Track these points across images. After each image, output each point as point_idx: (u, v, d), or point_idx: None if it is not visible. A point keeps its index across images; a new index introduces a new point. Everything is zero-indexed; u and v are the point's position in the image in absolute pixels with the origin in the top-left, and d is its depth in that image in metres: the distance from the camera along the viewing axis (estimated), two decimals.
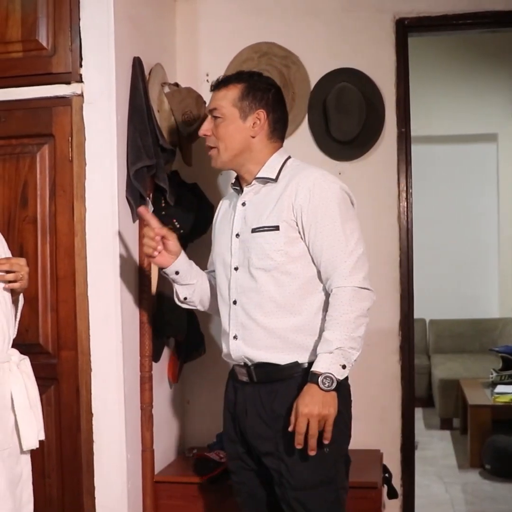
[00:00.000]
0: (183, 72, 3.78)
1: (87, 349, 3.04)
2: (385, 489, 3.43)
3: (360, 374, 3.68)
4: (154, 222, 2.70)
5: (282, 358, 2.52)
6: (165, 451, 3.51)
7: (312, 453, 2.38)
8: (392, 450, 3.67)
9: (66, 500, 3.07)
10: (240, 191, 2.68)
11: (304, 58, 3.72)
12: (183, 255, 2.74)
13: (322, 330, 2.48)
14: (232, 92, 2.61)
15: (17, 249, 3.04)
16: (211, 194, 3.61)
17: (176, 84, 3.49)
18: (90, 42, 3.02)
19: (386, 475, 3.47)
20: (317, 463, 2.44)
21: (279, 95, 2.69)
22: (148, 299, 3.26)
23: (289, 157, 2.70)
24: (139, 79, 3.15)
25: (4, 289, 2.38)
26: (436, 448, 6.03)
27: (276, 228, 2.51)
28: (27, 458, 2.46)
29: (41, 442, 2.49)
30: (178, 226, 3.37)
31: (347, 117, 3.60)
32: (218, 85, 2.65)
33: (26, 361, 2.50)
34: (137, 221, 3.20)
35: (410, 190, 3.70)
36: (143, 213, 2.77)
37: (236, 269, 2.60)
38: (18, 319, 2.53)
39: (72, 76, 3.03)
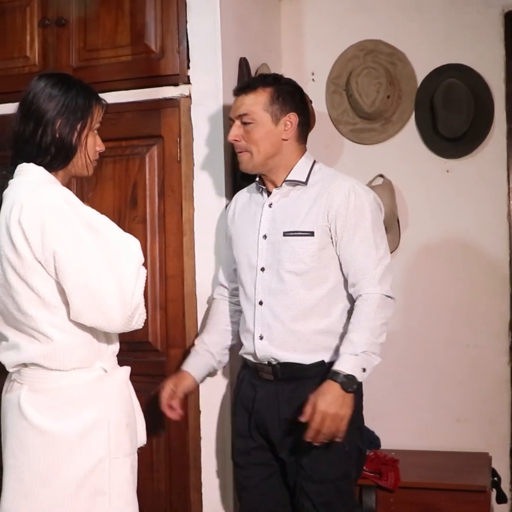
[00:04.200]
0: (288, 71, 3.76)
1: None
2: (493, 493, 3.36)
3: (469, 375, 3.64)
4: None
5: (308, 358, 2.59)
6: None
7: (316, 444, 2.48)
8: (501, 454, 3.59)
9: (173, 495, 3.11)
10: (266, 192, 2.72)
11: (410, 55, 3.68)
12: (195, 374, 2.84)
13: (344, 331, 2.56)
14: (262, 97, 2.63)
15: None
16: None
17: None
18: (197, 43, 3.05)
19: (495, 479, 3.40)
20: (338, 459, 2.57)
21: (304, 98, 2.72)
22: None
23: (315, 162, 2.72)
24: (245, 79, 3.17)
25: None
26: None
27: (311, 233, 2.57)
28: None
29: (150, 438, 2.50)
30: None
31: (455, 113, 3.53)
32: (244, 90, 2.67)
33: None
34: None
35: None
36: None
37: (262, 269, 2.65)
38: None
39: (180, 78, 3.06)
